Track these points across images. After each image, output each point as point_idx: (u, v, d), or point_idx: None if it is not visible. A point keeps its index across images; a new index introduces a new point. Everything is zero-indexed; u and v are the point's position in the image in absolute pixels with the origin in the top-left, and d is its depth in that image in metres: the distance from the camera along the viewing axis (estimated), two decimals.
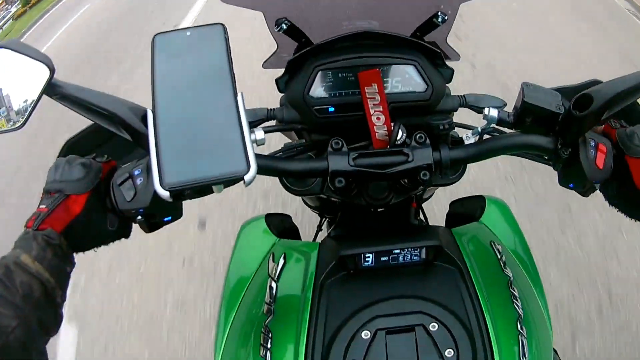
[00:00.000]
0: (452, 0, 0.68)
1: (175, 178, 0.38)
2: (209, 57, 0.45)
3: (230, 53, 0.45)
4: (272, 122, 0.65)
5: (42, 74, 0.52)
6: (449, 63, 0.64)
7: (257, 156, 0.42)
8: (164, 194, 0.38)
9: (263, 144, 0.49)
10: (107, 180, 0.54)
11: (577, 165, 0.56)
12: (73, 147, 0.61)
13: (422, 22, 0.66)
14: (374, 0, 0.71)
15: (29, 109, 0.51)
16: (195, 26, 0.47)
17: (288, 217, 0.88)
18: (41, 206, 0.51)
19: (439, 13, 0.64)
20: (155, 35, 0.46)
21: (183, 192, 0.39)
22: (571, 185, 0.61)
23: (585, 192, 0.61)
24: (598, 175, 0.55)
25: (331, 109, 0.61)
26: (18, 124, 0.52)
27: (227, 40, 0.46)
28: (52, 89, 0.50)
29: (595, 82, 0.61)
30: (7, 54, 0.52)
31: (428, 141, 0.57)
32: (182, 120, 0.41)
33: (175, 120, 0.41)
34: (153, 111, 0.42)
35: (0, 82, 0.54)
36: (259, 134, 0.48)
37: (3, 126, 0.57)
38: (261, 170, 0.51)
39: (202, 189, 0.40)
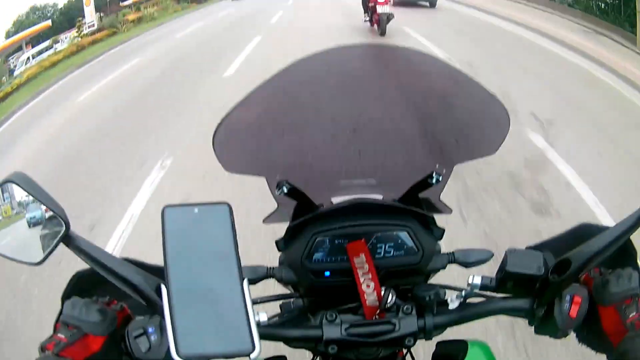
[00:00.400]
0: (447, 161, 0.72)
1: (189, 350, 0.43)
2: (216, 237, 0.48)
3: (235, 234, 0.48)
4: (272, 280, 0.68)
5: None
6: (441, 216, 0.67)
7: (260, 327, 0.47)
8: None
9: (266, 323, 0.54)
10: (122, 326, 0.58)
11: (552, 318, 0.59)
12: (82, 280, 0.62)
13: (417, 181, 0.69)
14: (370, 159, 0.75)
15: (47, 252, 0.54)
16: (202, 203, 0.49)
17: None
18: (59, 334, 0.54)
19: (434, 173, 0.67)
20: (164, 207, 0.49)
21: None
22: (545, 333, 0.64)
23: (558, 336, 0.64)
24: (571, 324, 0.59)
25: (327, 274, 0.65)
26: (37, 260, 0.55)
27: (232, 221, 0.49)
28: (67, 239, 0.53)
29: (584, 227, 0.65)
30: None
31: (414, 311, 0.61)
32: (193, 297, 0.45)
33: (188, 297, 0.45)
34: (166, 286, 0.45)
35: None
36: (262, 316, 0.53)
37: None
38: (263, 337, 0.55)
39: None
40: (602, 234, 0.56)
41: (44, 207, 0.54)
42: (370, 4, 8.87)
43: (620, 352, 0.55)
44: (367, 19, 9.36)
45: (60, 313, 0.56)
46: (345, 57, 0.68)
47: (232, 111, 0.63)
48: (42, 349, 0.52)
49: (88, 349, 0.54)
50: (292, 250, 0.66)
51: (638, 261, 0.63)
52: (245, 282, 0.46)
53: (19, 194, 0.57)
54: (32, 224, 0.57)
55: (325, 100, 0.69)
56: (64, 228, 0.53)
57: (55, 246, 0.53)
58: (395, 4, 13.54)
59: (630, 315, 0.56)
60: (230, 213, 0.49)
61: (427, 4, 12.90)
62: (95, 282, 0.59)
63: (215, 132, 0.64)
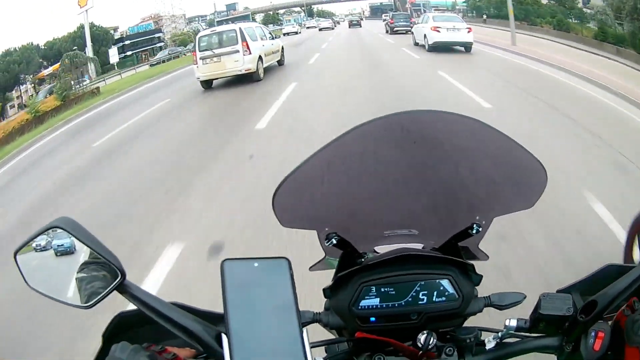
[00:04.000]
0: (487, 213, 0.75)
1: None
2: (276, 290, 0.50)
3: (295, 287, 0.50)
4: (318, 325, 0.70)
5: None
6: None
7: None
8: None
9: None
10: None
11: (578, 353, 0.63)
12: (125, 320, 0.62)
13: (458, 232, 0.73)
14: (413, 212, 0.78)
15: (98, 298, 0.54)
16: (262, 258, 0.52)
17: None
18: None
19: (474, 225, 0.72)
20: (224, 261, 0.51)
21: None
22: None
23: None
24: (595, 356, 0.62)
25: (372, 319, 0.67)
26: (87, 304, 0.55)
27: (292, 275, 0.51)
28: (122, 287, 0.54)
29: (609, 267, 0.69)
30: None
31: (455, 353, 0.65)
32: (254, 348, 0.46)
33: (249, 348, 0.46)
34: (227, 335, 0.47)
35: None
36: None
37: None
38: None
39: None
40: (625, 276, 0.61)
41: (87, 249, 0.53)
42: None
43: None
44: None
45: (101, 353, 0.57)
46: (391, 123, 0.71)
47: (289, 175, 0.68)
48: None
49: None
50: (339, 297, 0.68)
51: None
52: (305, 332, 0.48)
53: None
54: (60, 252, 0.58)
55: (372, 162, 0.73)
56: (119, 277, 0.53)
57: (109, 293, 0.54)
58: (430, 50, 13.85)
59: None
60: (289, 267, 0.51)
61: (463, 48, 13.68)
62: (135, 323, 0.60)
63: (275, 193, 0.68)
